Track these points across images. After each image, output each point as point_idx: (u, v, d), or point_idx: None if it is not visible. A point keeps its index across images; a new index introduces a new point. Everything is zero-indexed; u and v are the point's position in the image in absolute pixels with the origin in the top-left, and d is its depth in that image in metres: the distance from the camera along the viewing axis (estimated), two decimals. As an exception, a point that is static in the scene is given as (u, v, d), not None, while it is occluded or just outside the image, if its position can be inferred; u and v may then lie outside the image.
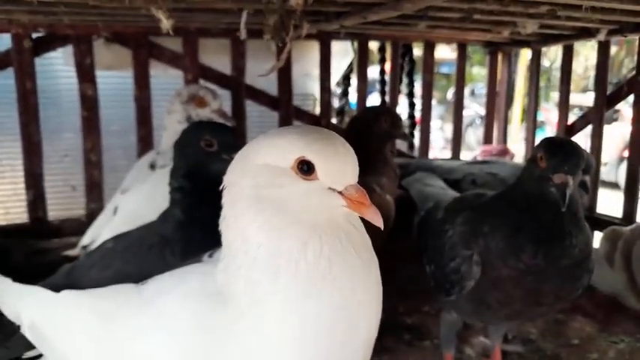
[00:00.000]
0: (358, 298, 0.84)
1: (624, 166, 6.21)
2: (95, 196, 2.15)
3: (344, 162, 0.82)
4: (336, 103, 3.02)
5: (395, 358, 1.67)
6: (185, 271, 1.00)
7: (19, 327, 1.11)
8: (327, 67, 2.47)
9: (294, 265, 0.81)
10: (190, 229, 1.28)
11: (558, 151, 1.22)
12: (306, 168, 0.80)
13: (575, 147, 1.24)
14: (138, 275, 1.20)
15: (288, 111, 2.41)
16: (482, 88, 8.32)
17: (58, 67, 2.24)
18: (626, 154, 6.48)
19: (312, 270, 0.81)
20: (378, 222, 0.81)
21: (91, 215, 2.05)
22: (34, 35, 2.03)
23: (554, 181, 1.20)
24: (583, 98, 7.38)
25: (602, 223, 2.23)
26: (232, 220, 0.88)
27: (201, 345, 0.84)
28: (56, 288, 1.30)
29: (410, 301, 2.10)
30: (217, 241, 1.08)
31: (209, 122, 1.55)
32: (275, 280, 0.81)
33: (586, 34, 2.00)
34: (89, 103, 2.09)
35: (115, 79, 2.25)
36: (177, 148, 1.37)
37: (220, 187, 0.90)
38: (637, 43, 2.20)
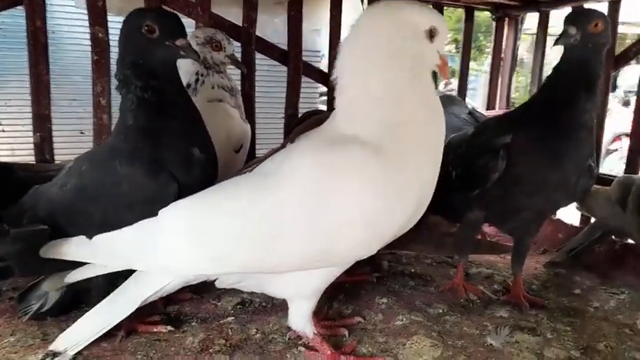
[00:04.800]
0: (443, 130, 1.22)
1: (609, 158, 6.32)
2: (103, 140, 2.12)
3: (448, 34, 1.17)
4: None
5: (401, 299, 1.70)
6: (302, 145, 1.21)
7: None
8: (338, 24, 2.46)
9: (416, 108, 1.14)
10: (135, 138, 1.27)
11: None
12: (431, 34, 1.13)
13: None
14: (93, 187, 1.27)
15: (297, 66, 2.41)
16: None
17: (68, 9, 2.21)
18: (613, 146, 6.66)
19: (428, 109, 1.17)
20: (446, 77, 1.21)
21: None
22: (46, -26, 2.00)
23: None
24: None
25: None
26: (361, 71, 1.14)
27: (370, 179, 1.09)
28: (24, 207, 1.37)
29: (412, 252, 2.14)
30: (161, 148, 1.26)
31: (150, 8, 1.45)
32: (406, 116, 1.13)
33: (599, -8, 2.01)
34: (100, 46, 2.06)
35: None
36: (120, 38, 1.31)
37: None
38: None
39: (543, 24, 2.62)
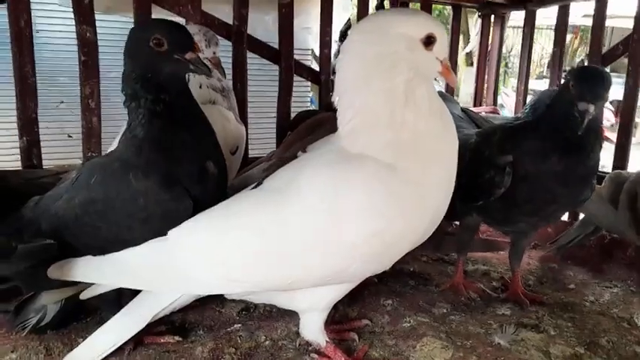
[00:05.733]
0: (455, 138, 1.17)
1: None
2: (93, 144, 2.06)
3: (448, 41, 1.17)
4: (333, 59, 3.00)
5: (405, 300, 1.71)
6: (312, 156, 1.19)
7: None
8: (329, 22, 2.44)
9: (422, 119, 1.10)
10: (148, 152, 1.23)
11: (585, 80, 1.38)
12: (427, 42, 1.07)
13: (604, 76, 1.39)
14: (105, 202, 1.22)
15: (289, 64, 2.38)
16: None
17: (52, 7, 2.12)
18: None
19: (435, 118, 1.12)
20: (454, 83, 1.21)
21: (89, 164, 1.97)
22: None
23: (578, 107, 1.37)
24: (538, 84, 7.64)
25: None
26: (359, 91, 1.09)
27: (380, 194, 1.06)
28: (24, 220, 1.31)
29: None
30: (176, 162, 1.22)
31: (159, 20, 1.38)
32: (414, 128, 1.08)
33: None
34: (88, 46, 1.99)
35: (114, 24, 2.16)
36: (126, 51, 1.24)
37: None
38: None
39: (530, 21, 2.66)
